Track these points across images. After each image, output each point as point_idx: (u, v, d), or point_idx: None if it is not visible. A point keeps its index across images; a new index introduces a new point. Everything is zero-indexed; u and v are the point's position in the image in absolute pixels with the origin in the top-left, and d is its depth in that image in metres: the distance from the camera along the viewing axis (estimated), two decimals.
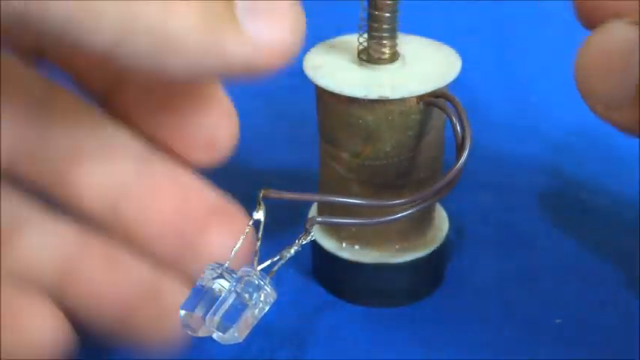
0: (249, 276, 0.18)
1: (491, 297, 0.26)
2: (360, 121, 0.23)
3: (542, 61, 0.41)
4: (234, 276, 0.18)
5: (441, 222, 0.27)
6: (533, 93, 0.38)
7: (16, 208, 0.19)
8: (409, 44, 0.24)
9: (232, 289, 0.18)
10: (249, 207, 0.20)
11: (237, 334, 0.17)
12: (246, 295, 0.17)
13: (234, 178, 0.23)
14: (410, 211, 0.21)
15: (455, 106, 0.22)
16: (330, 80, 0.22)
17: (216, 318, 0.17)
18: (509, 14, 0.46)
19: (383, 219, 0.21)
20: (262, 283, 0.18)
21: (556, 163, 0.33)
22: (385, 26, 0.23)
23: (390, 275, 0.25)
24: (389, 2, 0.22)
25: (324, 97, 0.23)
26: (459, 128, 0.21)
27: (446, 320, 0.25)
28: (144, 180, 0.19)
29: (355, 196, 0.24)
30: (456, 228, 0.27)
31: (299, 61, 0.24)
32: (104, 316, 0.19)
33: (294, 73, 0.25)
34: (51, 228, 0.19)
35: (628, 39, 0.20)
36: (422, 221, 0.26)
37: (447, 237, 0.26)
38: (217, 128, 0.20)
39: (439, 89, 0.22)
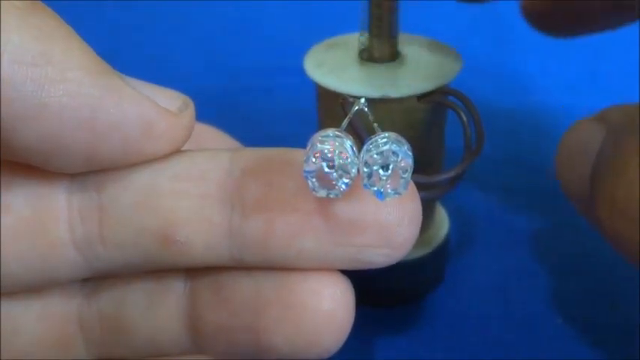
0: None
1: (492, 297, 0.26)
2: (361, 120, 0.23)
3: (543, 60, 0.41)
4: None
5: (441, 222, 0.27)
6: (533, 93, 0.38)
7: None
8: (410, 43, 0.24)
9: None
10: None
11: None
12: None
13: None
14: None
15: (465, 104, 0.22)
16: (331, 79, 0.22)
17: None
18: (509, 14, 0.46)
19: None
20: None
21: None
22: (386, 25, 0.23)
23: (390, 275, 0.25)
24: (390, 1, 0.22)
25: (325, 96, 0.23)
26: (471, 126, 0.21)
27: (446, 320, 0.25)
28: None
29: None
30: (456, 228, 0.27)
31: (300, 60, 0.24)
32: None
33: (294, 72, 0.25)
34: None
35: (588, 139, 0.21)
36: (422, 221, 0.26)
37: (447, 237, 0.26)
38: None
39: (448, 87, 0.22)
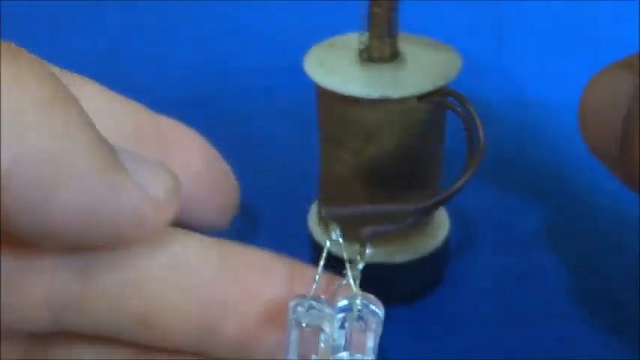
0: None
1: (492, 297, 0.26)
2: (361, 120, 0.23)
3: (543, 60, 0.41)
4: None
5: (441, 222, 0.27)
6: (533, 92, 0.38)
7: None
8: (410, 43, 0.24)
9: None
10: (248, 204, 0.19)
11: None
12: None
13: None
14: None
15: (464, 105, 0.22)
16: (330, 79, 0.22)
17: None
18: (508, 14, 0.46)
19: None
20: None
21: (556, 162, 0.33)
22: (386, 25, 0.23)
23: (390, 275, 0.25)
24: (390, 1, 0.22)
25: (325, 97, 0.23)
26: (471, 127, 0.21)
27: (445, 320, 0.25)
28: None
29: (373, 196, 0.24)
30: (456, 228, 0.27)
31: (300, 60, 0.24)
32: None
33: (294, 72, 0.25)
34: None
35: (617, 89, 0.20)
36: (422, 221, 0.26)
37: (447, 237, 0.26)
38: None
39: (446, 88, 0.22)
